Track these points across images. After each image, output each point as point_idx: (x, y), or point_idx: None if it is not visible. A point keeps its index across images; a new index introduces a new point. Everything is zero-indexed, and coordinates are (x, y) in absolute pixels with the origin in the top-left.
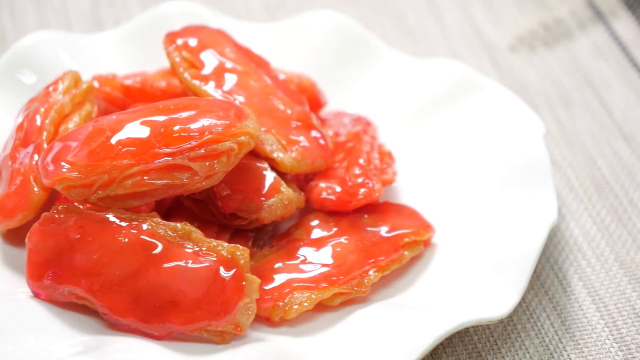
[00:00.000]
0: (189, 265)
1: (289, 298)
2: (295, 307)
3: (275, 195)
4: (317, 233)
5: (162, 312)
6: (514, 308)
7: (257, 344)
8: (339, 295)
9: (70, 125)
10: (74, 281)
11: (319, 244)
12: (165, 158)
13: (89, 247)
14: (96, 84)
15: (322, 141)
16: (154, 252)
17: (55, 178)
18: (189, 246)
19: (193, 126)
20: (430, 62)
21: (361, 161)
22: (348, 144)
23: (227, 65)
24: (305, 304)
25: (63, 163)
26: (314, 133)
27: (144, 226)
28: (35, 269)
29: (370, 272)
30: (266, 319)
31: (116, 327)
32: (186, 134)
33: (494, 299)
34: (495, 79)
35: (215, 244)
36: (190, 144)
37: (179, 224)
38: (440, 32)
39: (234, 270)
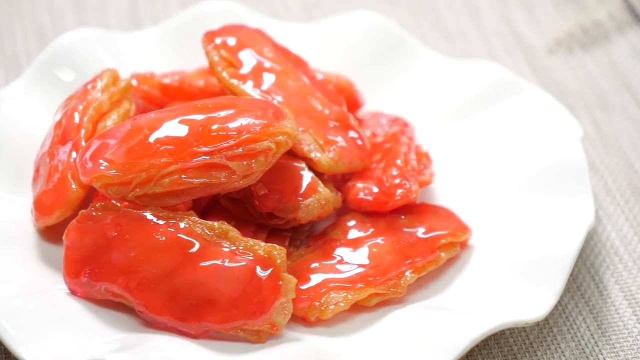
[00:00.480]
0: (226, 264)
1: (325, 298)
2: (332, 307)
3: (313, 195)
4: (353, 233)
5: (198, 311)
6: (550, 311)
7: (293, 343)
8: (375, 296)
9: (108, 123)
10: (110, 279)
11: (355, 244)
12: (203, 157)
13: (126, 245)
14: (134, 82)
15: (359, 141)
16: (190, 250)
17: (93, 175)
18: (225, 245)
19: (231, 125)
20: (468, 63)
21: (398, 162)
22: (385, 144)
23: (265, 65)
24: (342, 304)
25: (101, 161)
26: (351, 133)
27: (181, 225)
28: (73, 266)
29: (407, 273)
30: (302, 318)
31: (152, 325)
32: (224, 133)
33: (530, 301)
34: (533, 81)
35: (252, 243)
36: (228, 143)
37: (216, 223)
38: (478, 34)
39: (271, 269)
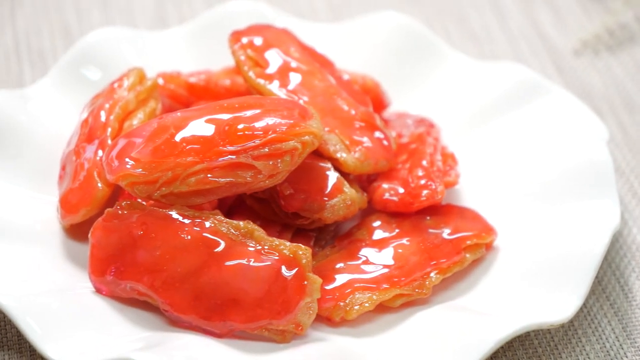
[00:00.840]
0: (251, 263)
1: (350, 298)
2: (356, 307)
3: (338, 195)
4: (379, 234)
5: (223, 310)
6: (575, 313)
7: (317, 343)
8: (400, 297)
9: (135, 121)
10: (136, 277)
11: (380, 244)
12: (229, 156)
13: (152, 244)
14: (161, 81)
15: (385, 142)
16: (216, 249)
17: (119, 174)
18: (251, 245)
19: (257, 125)
20: (494, 65)
21: (424, 163)
22: (411, 145)
23: (291, 65)
24: (366, 304)
25: (127, 159)
26: (377, 134)
27: (207, 224)
28: (98, 265)
29: (432, 274)
30: (327, 318)
31: (177, 324)
32: (250, 133)
33: (555, 303)
34: (559, 83)
35: (277, 242)
36: (254, 142)
37: (241, 222)
38: (504, 35)
39: (296, 269)
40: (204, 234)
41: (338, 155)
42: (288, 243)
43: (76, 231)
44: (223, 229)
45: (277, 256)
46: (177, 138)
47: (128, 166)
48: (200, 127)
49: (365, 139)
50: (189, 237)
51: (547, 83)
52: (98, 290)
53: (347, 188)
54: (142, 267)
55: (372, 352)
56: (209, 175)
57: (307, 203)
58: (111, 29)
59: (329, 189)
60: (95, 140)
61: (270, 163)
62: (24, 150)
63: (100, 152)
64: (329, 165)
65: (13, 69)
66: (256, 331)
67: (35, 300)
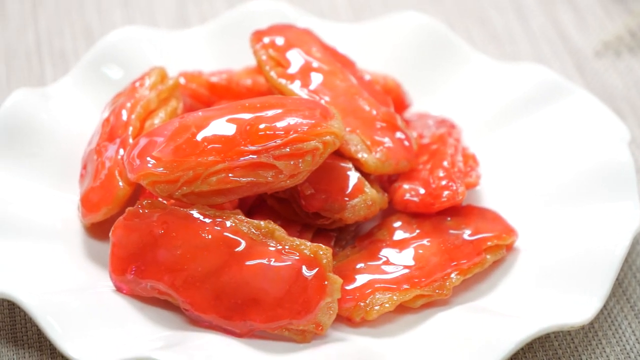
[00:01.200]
0: (272, 263)
1: (371, 299)
2: (377, 307)
3: (359, 195)
4: (399, 234)
5: (243, 310)
6: (596, 315)
7: (337, 343)
8: (420, 297)
9: (156, 121)
10: (156, 276)
11: (401, 245)
12: (251, 156)
13: (173, 243)
14: (182, 81)
15: (406, 142)
16: (237, 249)
17: (141, 173)
18: (271, 244)
19: (279, 125)
20: (515, 66)
21: (445, 164)
22: (432, 146)
23: (313, 65)
24: (387, 305)
25: (148, 158)
26: (398, 134)
27: (228, 223)
28: (119, 263)
29: (452, 275)
30: (347, 319)
31: (198, 323)
32: (272, 132)
33: (575, 305)
34: (580, 84)
35: (298, 242)
36: (275, 142)
37: (262, 222)
38: (526, 37)
39: (317, 269)
40: (225, 234)
41: (359, 155)
42: (309, 243)
43: (97, 230)
44: (244, 228)
45: (297, 256)
46: (199, 137)
47: (149, 165)
48: (221, 126)
49: (386, 140)
50: (210, 236)
51: (568, 84)
52: (118, 289)
53: (368, 188)
54: (162, 266)
55: (393, 352)
56: (230, 175)
57: (328, 203)
58: (133, 28)
59: (349, 189)
60: (117, 139)
61: (292, 163)
62: (45, 149)
63: (121, 151)
64: (350, 165)
65: (35, 70)
66: (276, 331)
67: (55, 299)
